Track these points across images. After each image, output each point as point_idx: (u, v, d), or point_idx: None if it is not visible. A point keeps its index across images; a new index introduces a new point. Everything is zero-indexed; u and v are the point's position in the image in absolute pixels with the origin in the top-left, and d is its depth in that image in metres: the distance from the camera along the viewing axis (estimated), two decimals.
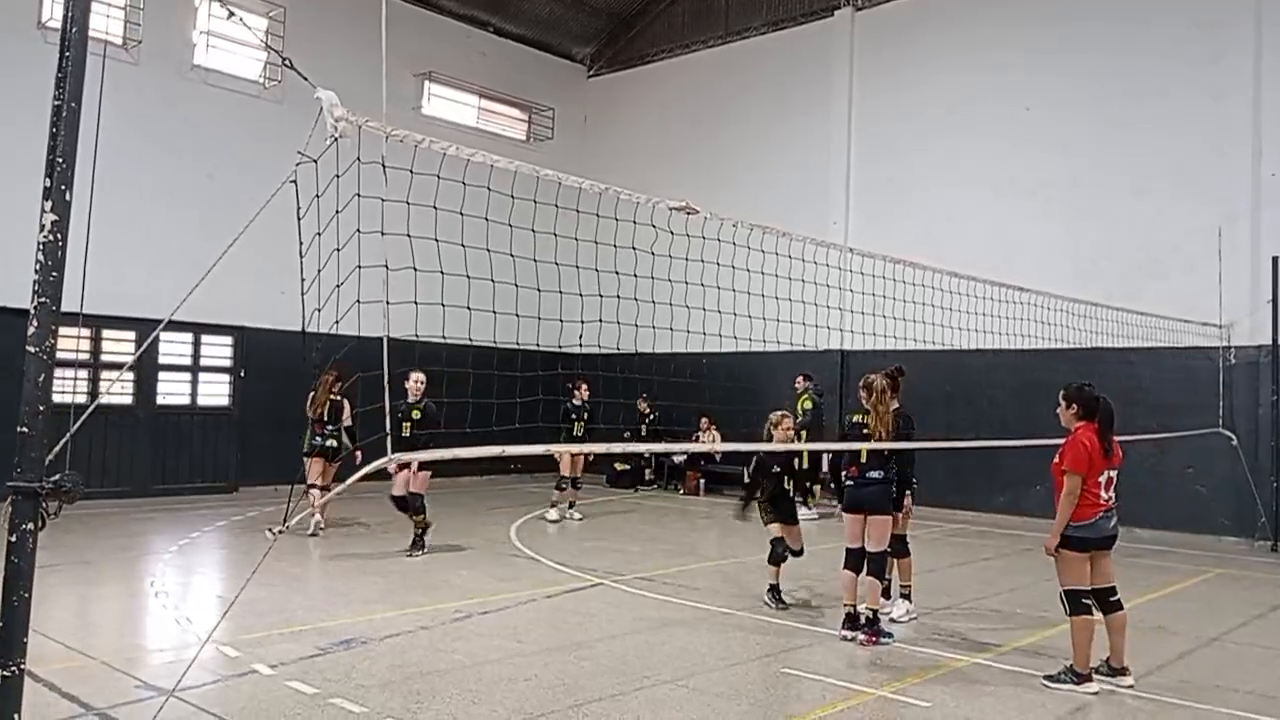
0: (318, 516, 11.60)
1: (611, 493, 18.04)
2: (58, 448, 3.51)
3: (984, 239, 15.36)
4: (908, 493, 7.85)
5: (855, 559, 7.35)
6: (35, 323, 3.32)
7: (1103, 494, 6.22)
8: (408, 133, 4.54)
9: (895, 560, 8.00)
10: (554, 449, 11.63)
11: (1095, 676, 6.18)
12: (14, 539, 3.26)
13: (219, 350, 16.04)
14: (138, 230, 14.47)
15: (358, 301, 4.28)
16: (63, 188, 3.34)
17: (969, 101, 16.30)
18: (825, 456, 10.72)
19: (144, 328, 13.96)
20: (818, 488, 14.36)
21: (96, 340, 14.39)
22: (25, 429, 3.27)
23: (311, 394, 12.11)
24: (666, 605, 8.40)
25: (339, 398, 12.09)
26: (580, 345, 8.14)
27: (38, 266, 3.32)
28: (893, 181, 17.10)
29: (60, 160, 3.34)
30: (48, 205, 3.32)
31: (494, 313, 5.92)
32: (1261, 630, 8.19)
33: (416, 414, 10.55)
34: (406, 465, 10.21)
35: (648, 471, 19.15)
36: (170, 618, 7.55)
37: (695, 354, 12.00)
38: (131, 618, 7.86)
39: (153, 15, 14.88)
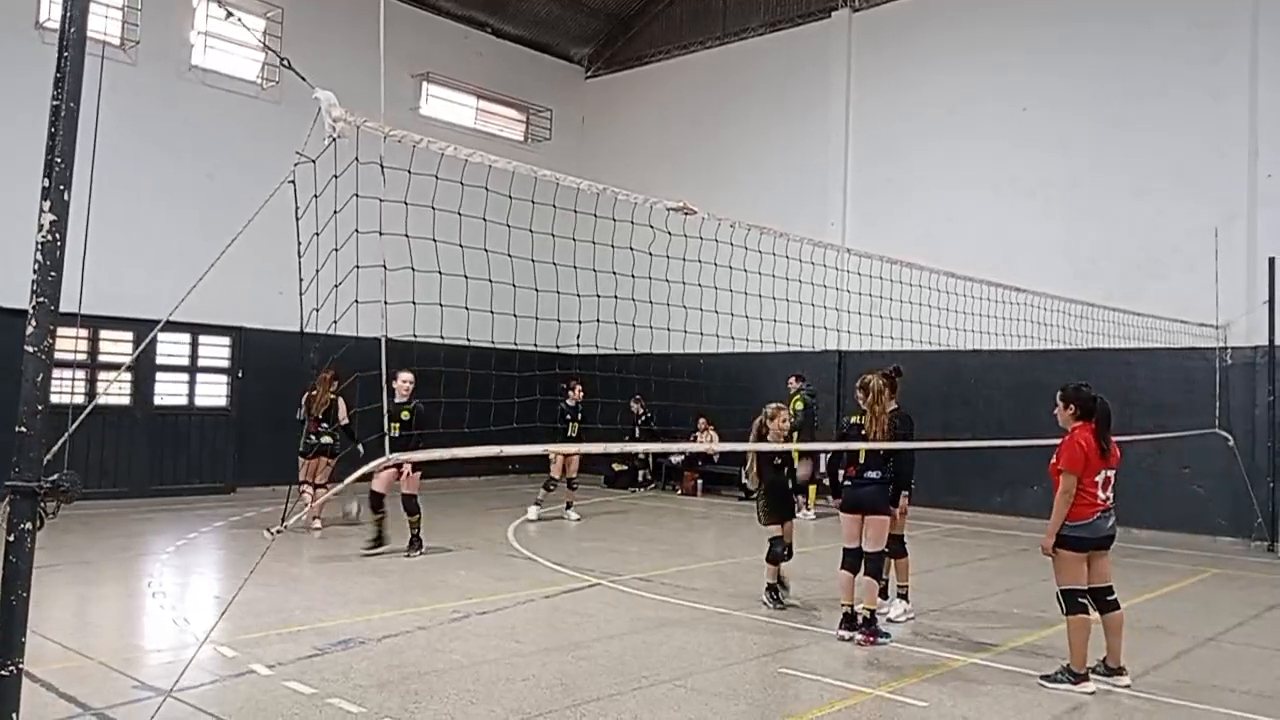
0: (316, 522, 11.61)
1: (609, 493, 18.05)
2: (56, 447, 3.52)
3: (983, 239, 15.38)
4: (904, 493, 7.85)
5: (853, 559, 7.36)
6: (34, 322, 3.32)
7: (1100, 494, 6.24)
8: (406, 133, 4.55)
9: (892, 560, 8.00)
10: (552, 449, 11.64)
11: (1092, 676, 6.19)
12: (12, 539, 3.26)
13: (217, 350, 16.04)
14: (135, 230, 14.47)
15: (356, 302, 4.29)
16: (61, 188, 3.35)
17: (968, 102, 16.32)
18: (824, 456, 10.73)
19: (142, 328, 13.97)
20: (813, 489, 14.38)
21: (94, 340, 14.38)
22: (23, 429, 3.28)
23: (307, 394, 12.14)
24: (664, 605, 8.40)
25: (334, 396, 12.15)
26: (578, 345, 8.16)
27: (36, 266, 3.33)
28: (891, 182, 17.12)
29: (59, 160, 3.34)
30: (46, 205, 3.32)
31: (492, 313, 5.93)
32: (1258, 630, 8.20)
33: (406, 414, 10.48)
34: (396, 465, 10.18)
35: (643, 473, 19.14)
36: (168, 618, 7.55)
37: (693, 354, 12.02)
38: (129, 618, 7.86)
39: (150, 16, 14.87)
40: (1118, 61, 14.77)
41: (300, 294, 4.47)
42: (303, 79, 4.15)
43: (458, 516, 13.93)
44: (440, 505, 15.01)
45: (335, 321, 4.52)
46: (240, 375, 16.12)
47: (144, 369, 15.05)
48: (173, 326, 14.62)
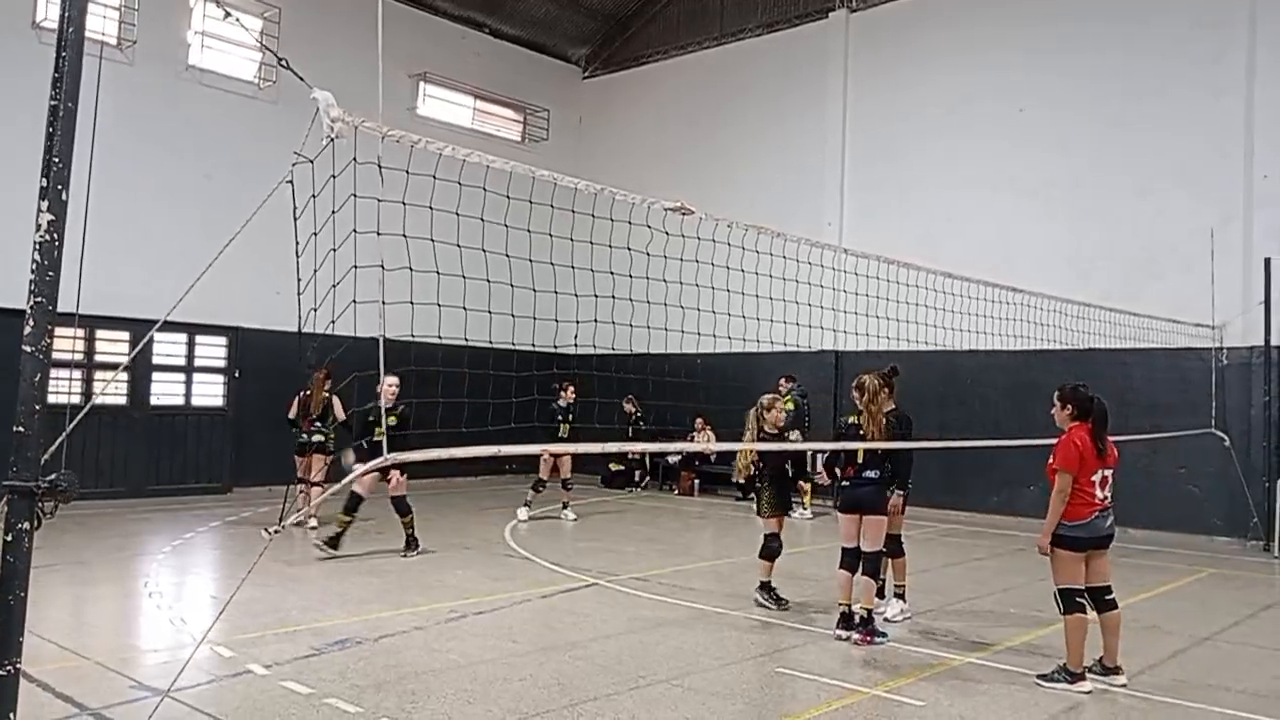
0: (313, 521, 11.61)
1: (606, 493, 18.06)
2: (53, 447, 3.51)
3: (982, 239, 15.39)
4: (900, 493, 7.85)
5: (851, 558, 7.37)
6: (31, 322, 3.32)
7: (1097, 493, 6.25)
8: (404, 133, 4.55)
9: (890, 560, 8.01)
10: (550, 449, 11.66)
11: (1088, 676, 6.20)
12: (9, 538, 3.26)
13: (213, 351, 16.03)
14: (132, 230, 14.45)
15: (354, 302, 4.29)
16: (59, 188, 3.35)
17: (966, 102, 16.33)
18: (819, 456, 10.72)
19: (138, 328, 13.96)
20: (807, 487, 14.38)
21: (91, 340, 14.36)
22: (21, 428, 3.28)
23: (300, 395, 12.17)
24: (661, 605, 8.41)
25: (328, 396, 12.17)
26: (575, 345, 8.15)
27: (34, 266, 3.33)
28: (889, 182, 17.14)
29: (57, 160, 3.34)
30: (44, 205, 3.33)
31: (490, 313, 5.93)
32: (1254, 630, 8.22)
33: (392, 420, 10.24)
34: (381, 470, 10.01)
35: (637, 473, 19.13)
36: (165, 618, 7.54)
37: (690, 354, 12.03)
38: (126, 618, 7.86)
39: (148, 15, 14.86)
40: (1117, 61, 14.78)
41: (298, 294, 4.48)
42: (300, 79, 4.16)
43: (454, 516, 13.93)
44: (437, 505, 15.02)
45: (333, 321, 4.52)
46: (237, 375, 16.11)
47: (141, 369, 15.03)
48: (170, 326, 14.62)
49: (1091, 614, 6.28)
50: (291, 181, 4.26)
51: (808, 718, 5.56)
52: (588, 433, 14.53)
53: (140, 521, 12.63)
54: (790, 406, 14.90)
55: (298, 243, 4.46)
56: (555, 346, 10.70)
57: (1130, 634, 6.68)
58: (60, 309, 3.39)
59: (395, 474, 10.33)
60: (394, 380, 10.42)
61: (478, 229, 5.56)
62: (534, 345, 7.45)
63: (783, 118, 18.74)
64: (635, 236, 6.66)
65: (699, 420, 17.59)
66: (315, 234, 4.50)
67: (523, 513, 13.64)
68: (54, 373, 3.43)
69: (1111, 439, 6.43)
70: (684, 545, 12.33)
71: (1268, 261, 13.18)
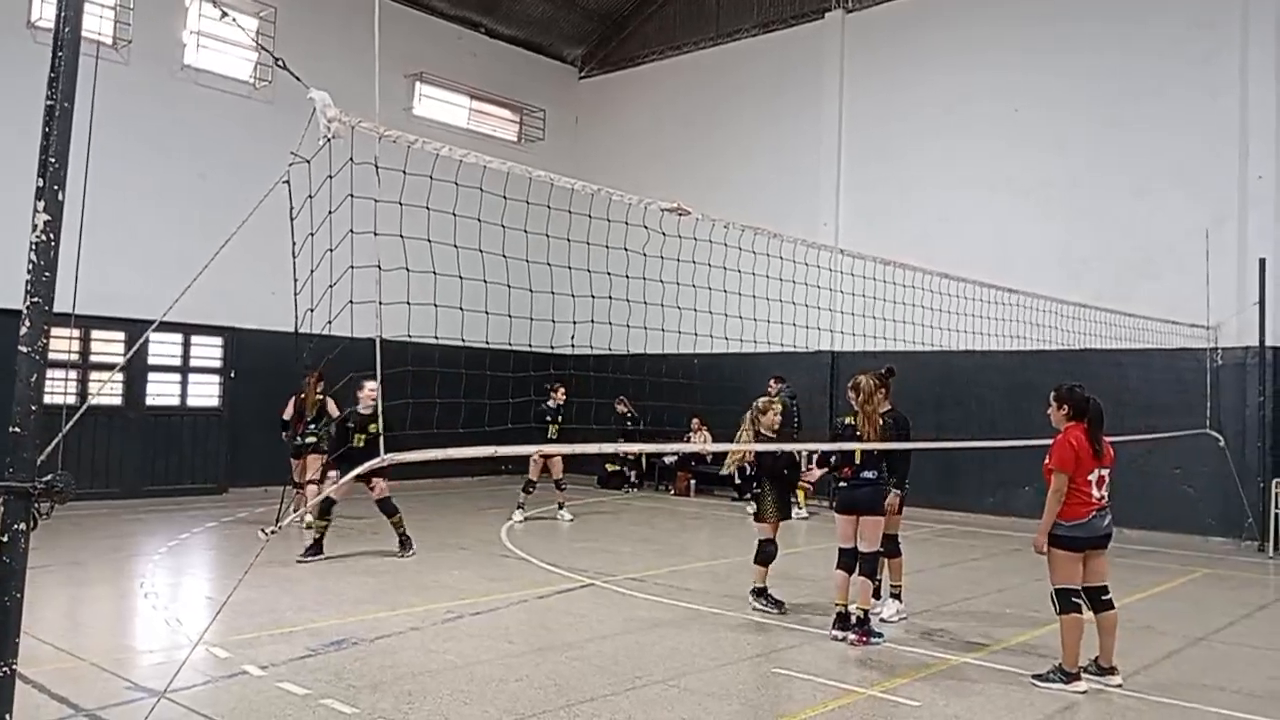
0: (308, 519, 11.57)
1: (602, 493, 18.06)
2: (49, 448, 3.51)
3: (979, 239, 15.40)
4: (897, 492, 7.85)
5: (848, 559, 7.37)
6: (27, 322, 3.32)
7: (1094, 492, 6.27)
8: (400, 133, 4.55)
9: (887, 560, 8.03)
10: (545, 449, 11.66)
11: (1084, 675, 6.22)
12: (5, 539, 3.25)
13: (209, 351, 16.00)
14: (128, 230, 14.42)
15: (350, 302, 4.29)
16: (55, 188, 3.34)
17: (963, 102, 16.34)
18: (812, 457, 10.73)
19: (134, 328, 13.92)
20: (801, 488, 14.40)
21: (86, 341, 14.33)
22: (17, 429, 3.27)
23: (295, 397, 12.18)
24: (657, 605, 8.41)
25: (320, 397, 12.17)
26: (572, 346, 8.17)
27: (30, 266, 3.32)
28: (885, 183, 17.15)
29: (53, 160, 3.34)
30: (40, 205, 3.32)
31: (486, 313, 5.93)
32: (1248, 630, 8.25)
33: (374, 428, 10.09)
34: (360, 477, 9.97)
35: (633, 474, 19.13)
36: (160, 619, 7.53)
37: (687, 355, 12.01)
38: (122, 619, 7.84)
39: (143, 15, 14.85)
40: (1114, 61, 14.77)
41: (294, 294, 4.48)
42: (297, 79, 4.15)
43: (451, 517, 13.93)
44: (434, 505, 15.02)
45: (329, 322, 4.52)
46: (233, 376, 16.09)
47: (136, 369, 15.00)
48: (165, 327, 14.60)
49: (1088, 614, 6.30)
50: (288, 182, 4.26)
51: (804, 718, 5.57)
52: (584, 433, 14.52)
53: (136, 522, 12.61)
54: (778, 408, 14.96)
55: (294, 243, 4.45)
56: (552, 347, 10.72)
57: (1125, 634, 6.69)
58: (56, 309, 3.39)
59: (377, 480, 10.27)
60: (374, 385, 10.28)
61: (474, 229, 5.56)
62: (531, 346, 7.46)
63: (778, 118, 18.76)
64: (631, 237, 6.66)
65: (695, 421, 17.59)
66: (312, 234, 4.50)
67: (517, 514, 13.64)
68: (50, 373, 3.42)
69: (1107, 439, 6.45)
70: (680, 546, 12.34)
71: (1262, 262, 13.21)
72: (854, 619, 7.24)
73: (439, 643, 6.92)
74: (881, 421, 7.39)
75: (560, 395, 14.10)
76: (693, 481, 18.28)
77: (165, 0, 15.42)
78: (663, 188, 9.90)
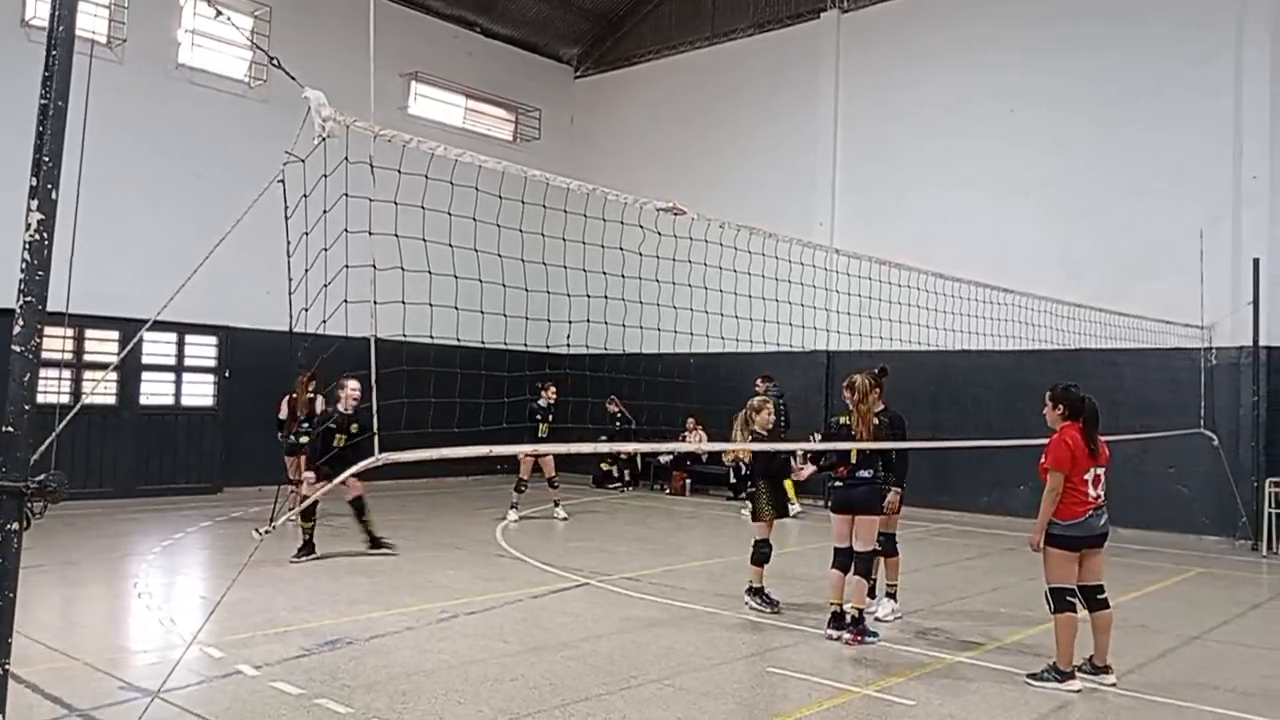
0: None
1: (597, 493, 18.06)
2: (43, 448, 3.50)
3: (975, 240, 15.41)
4: (897, 490, 7.88)
5: (843, 558, 7.37)
6: (20, 322, 3.31)
7: (1090, 491, 6.28)
8: (395, 133, 4.54)
9: (883, 559, 8.04)
10: (539, 450, 11.63)
11: (1078, 674, 6.23)
12: None
13: (203, 350, 15.97)
14: (122, 229, 14.40)
15: (345, 301, 4.28)
16: (49, 187, 3.33)
17: (958, 102, 16.35)
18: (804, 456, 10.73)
19: (128, 328, 13.90)
20: (790, 485, 14.40)
21: (80, 340, 14.30)
22: (10, 428, 3.26)
23: (289, 396, 12.17)
24: (652, 605, 8.41)
25: (312, 396, 12.16)
26: (568, 345, 8.16)
27: (23, 265, 3.31)
28: (880, 182, 17.16)
29: (47, 159, 3.33)
30: (34, 204, 3.31)
31: (481, 313, 5.92)
32: (1242, 629, 8.27)
33: (355, 428, 10.13)
34: (329, 476, 9.92)
35: (622, 470, 19.10)
36: (154, 618, 7.52)
37: (682, 354, 12.01)
38: (115, 619, 7.83)
39: (137, 14, 14.80)
40: (1114, 61, 14.77)
41: (289, 294, 4.47)
42: (292, 78, 4.15)
43: (446, 517, 13.92)
44: (429, 505, 15.02)
45: (324, 321, 4.52)
46: (227, 375, 16.06)
47: (130, 369, 14.98)
48: (159, 326, 14.56)
49: (1082, 613, 6.31)
50: (283, 181, 4.25)
51: (799, 717, 5.57)
52: (579, 432, 14.52)
53: (130, 522, 12.58)
54: (771, 406, 14.95)
55: (289, 242, 4.45)
56: (547, 346, 10.68)
57: (1119, 633, 6.71)
58: (50, 308, 3.38)
59: (353, 481, 10.16)
60: (355, 384, 10.25)
61: (469, 229, 5.56)
62: (526, 345, 7.46)
63: (774, 118, 18.76)
64: (627, 236, 6.66)
65: (690, 420, 17.59)
66: (306, 233, 4.49)
67: (512, 514, 13.64)
68: (43, 372, 3.41)
69: (1102, 438, 6.47)
70: (675, 545, 12.33)
71: (1256, 262, 13.24)
72: (849, 618, 7.24)
73: (434, 642, 6.92)
74: (877, 421, 7.39)
75: (551, 394, 14.10)
76: (688, 481, 18.28)
77: None
78: (658, 187, 9.91)
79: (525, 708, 5.53)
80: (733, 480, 16.77)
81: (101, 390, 14.67)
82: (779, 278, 8.34)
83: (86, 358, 14.44)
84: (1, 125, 12.62)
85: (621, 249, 6.75)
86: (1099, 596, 6.39)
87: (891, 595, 8.15)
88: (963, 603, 8.95)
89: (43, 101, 3.35)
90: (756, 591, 8.29)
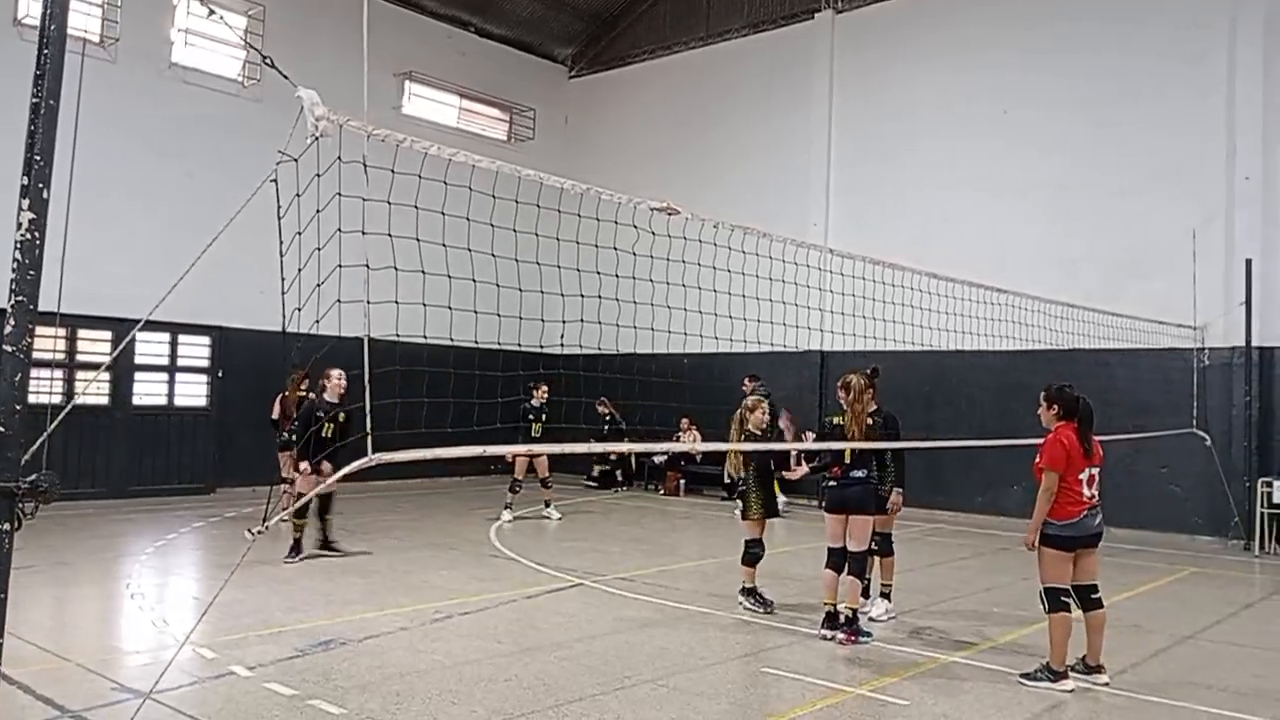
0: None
1: (591, 493, 18.05)
2: (34, 447, 3.49)
3: (970, 240, 15.42)
4: (899, 490, 7.90)
5: (837, 558, 7.38)
6: (12, 321, 3.30)
7: (1085, 491, 6.30)
8: (389, 132, 4.53)
9: (879, 559, 8.05)
10: (534, 450, 11.62)
11: (1071, 674, 6.24)
12: None
13: (197, 350, 15.93)
14: (115, 229, 14.35)
15: (338, 301, 4.27)
16: (40, 186, 3.32)
17: (952, 102, 16.38)
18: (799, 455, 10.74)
19: (121, 327, 13.87)
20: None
21: (72, 340, 14.26)
22: (1, 429, 3.25)
23: (281, 395, 12.13)
24: (646, 605, 8.41)
25: (303, 395, 12.11)
26: (561, 345, 8.15)
27: (14, 265, 3.30)
28: (875, 183, 17.18)
29: (38, 158, 3.32)
30: (25, 203, 3.30)
31: (475, 313, 5.91)
32: (1235, 628, 8.29)
33: (342, 417, 10.04)
34: (318, 470, 9.83)
35: (619, 472, 19.11)
36: (147, 619, 7.49)
37: (676, 354, 12.06)
38: (108, 619, 7.80)
39: (130, 13, 14.77)
40: (1111, 61, 14.79)
41: (282, 293, 4.45)
42: (285, 77, 4.14)
43: (440, 517, 13.90)
44: (423, 505, 15.00)
45: (317, 321, 4.50)
46: (220, 375, 16.02)
47: (123, 368, 14.93)
48: (152, 326, 14.54)
49: (1076, 613, 6.32)
50: (275, 180, 4.24)
51: (792, 717, 5.57)
52: (572, 433, 14.51)
53: (122, 522, 12.54)
54: (765, 406, 14.95)
55: (281, 242, 4.44)
56: (541, 346, 10.71)
57: (1112, 633, 6.72)
58: (41, 308, 3.37)
59: (306, 469, 9.99)
60: (339, 372, 10.12)
61: (463, 228, 5.55)
62: (520, 345, 7.43)
63: (769, 118, 18.78)
64: (621, 236, 6.65)
65: (685, 420, 17.60)
66: (299, 233, 4.48)
67: (506, 514, 13.63)
68: (35, 373, 3.40)
69: (1096, 439, 6.48)
70: (669, 545, 12.33)
71: (1249, 262, 13.28)
72: (843, 618, 7.25)
73: (427, 643, 6.91)
74: (870, 421, 7.40)
75: (543, 393, 14.09)
76: (682, 481, 18.29)
77: None
78: (653, 187, 9.92)
79: (519, 708, 5.52)
80: (726, 481, 16.76)
81: (94, 390, 14.64)
82: (773, 278, 8.33)
83: (79, 358, 14.40)
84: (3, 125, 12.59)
85: (615, 249, 6.75)
86: (1093, 596, 6.40)
87: (886, 595, 8.15)
88: (956, 602, 8.97)
89: (34, 100, 3.34)
90: (750, 591, 8.29)
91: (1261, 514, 12.81)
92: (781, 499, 14.30)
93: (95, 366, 14.33)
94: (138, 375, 15.27)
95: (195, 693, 5.64)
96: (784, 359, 15.22)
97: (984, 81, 16.04)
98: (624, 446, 17.98)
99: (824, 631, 7.31)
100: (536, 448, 11.70)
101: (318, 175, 4.38)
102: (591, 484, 18.96)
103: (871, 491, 7.43)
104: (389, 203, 4.71)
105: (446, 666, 6.32)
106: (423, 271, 5.19)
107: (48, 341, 12.25)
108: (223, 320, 15.71)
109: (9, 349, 3.28)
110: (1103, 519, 6.45)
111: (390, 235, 4.73)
